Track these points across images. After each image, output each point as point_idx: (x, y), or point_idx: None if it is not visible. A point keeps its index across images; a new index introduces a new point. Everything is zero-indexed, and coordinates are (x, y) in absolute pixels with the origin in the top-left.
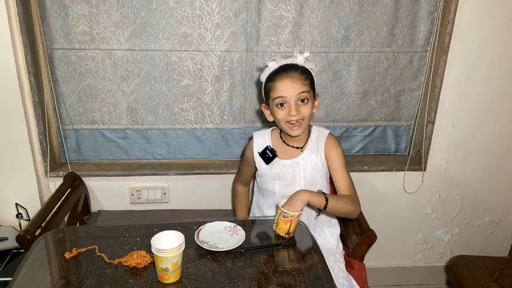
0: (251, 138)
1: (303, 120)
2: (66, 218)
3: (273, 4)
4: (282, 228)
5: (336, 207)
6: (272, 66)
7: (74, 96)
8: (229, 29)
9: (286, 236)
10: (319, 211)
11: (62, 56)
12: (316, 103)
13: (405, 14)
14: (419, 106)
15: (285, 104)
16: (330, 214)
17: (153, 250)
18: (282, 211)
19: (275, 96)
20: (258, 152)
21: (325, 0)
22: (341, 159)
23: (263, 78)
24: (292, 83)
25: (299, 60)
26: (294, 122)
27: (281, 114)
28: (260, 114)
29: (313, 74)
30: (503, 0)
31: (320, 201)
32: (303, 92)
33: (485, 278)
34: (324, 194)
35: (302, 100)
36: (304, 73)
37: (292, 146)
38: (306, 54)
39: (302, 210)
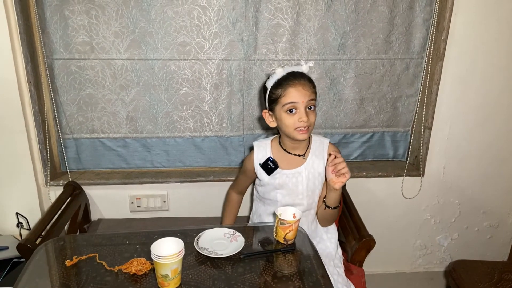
0: (251, 149)
1: (310, 126)
2: (66, 227)
3: (270, 13)
4: (281, 235)
5: (336, 213)
6: (280, 73)
7: (74, 105)
8: (227, 38)
9: (285, 242)
10: (326, 206)
11: (62, 66)
12: None
13: (401, 22)
14: (416, 112)
15: (294, 110)
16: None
17: (152, 256)
18: (279, 218)
19: (287, 101)
20: (260, 164)
21: (322, 8)
22: None
23: (270, 84)
24: (304, 90)
25: (304, 68)
26: (302, 128)
27: (290, 120)
28: (259, 121)
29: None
30: (496, 7)
31: (336, 200)
32: (312, 99)
33: (484, 282)
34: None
35: (310, 107)
36: (311, 81)
37: (294, 154)
38: (311, 63)
39: (300, 217)
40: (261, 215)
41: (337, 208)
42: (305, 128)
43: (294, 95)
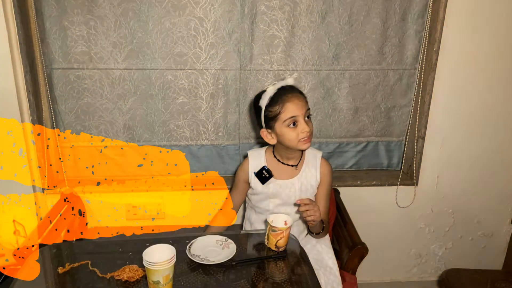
0: (245, 157)
1: (311, 134)
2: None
3: (265, 24)
4: (273, 242)
5: (320, 236)
6: (271, 90)
7: (72, 114)
8: (223, 49)
9: (277, 249)
10: (309, 231)
11: (60, 76)
12: None
13: (394, 33)
14: (409, 121)
15: (296, 123)
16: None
17: (144, 263)
18: (271, 225)
19: (287, 117)
20: (254, 172)
21: (316, 20)
22: (328, 188)
23: (264, 103)
24: (300, 102)
25: (290, 81)
26: (305, 138)
27: (293, 133)
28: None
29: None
30: (486, 19)
31: (317, 230)
32: (308, 108)
33: None
34: (323, 226)
35: (308, 116)
36: (301, 92)
37: (288, 165)
38: (295, 75)
39: (291, 224)
40: (253, 223)
41: (320, 233)
42: (308, 138)
43: (293, 109)
